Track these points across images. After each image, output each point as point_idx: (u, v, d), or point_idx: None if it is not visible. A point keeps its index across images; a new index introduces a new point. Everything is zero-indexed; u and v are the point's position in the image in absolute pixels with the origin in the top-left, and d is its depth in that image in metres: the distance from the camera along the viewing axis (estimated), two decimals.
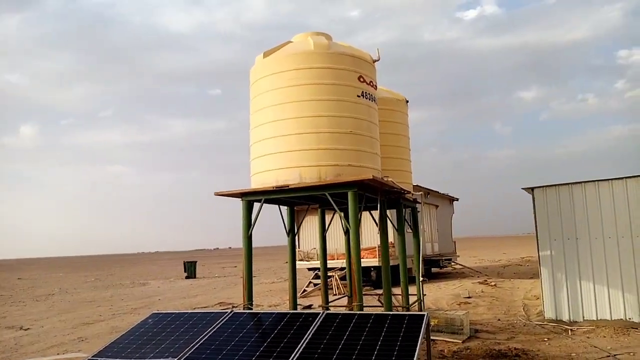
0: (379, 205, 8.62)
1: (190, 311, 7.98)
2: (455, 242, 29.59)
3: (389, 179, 8.82)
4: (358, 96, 8.45)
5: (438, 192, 26.15)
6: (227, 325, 7.21)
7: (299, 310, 10.80)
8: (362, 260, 21.14)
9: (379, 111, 9.88)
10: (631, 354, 7.95)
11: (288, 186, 8.05)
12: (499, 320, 11.67)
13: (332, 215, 11.03)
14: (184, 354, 6.59)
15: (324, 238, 10.96)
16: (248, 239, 8.52)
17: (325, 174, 7.99)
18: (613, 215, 10.57)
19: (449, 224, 28.95)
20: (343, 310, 9.46)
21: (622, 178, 10.63)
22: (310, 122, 8.13)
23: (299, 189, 8.04)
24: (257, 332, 6.99)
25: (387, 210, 10.18)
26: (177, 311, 8.09)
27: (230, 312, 7.68)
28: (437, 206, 26.63)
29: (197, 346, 6.73)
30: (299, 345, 6.25)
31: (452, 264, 26.60)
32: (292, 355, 6.04)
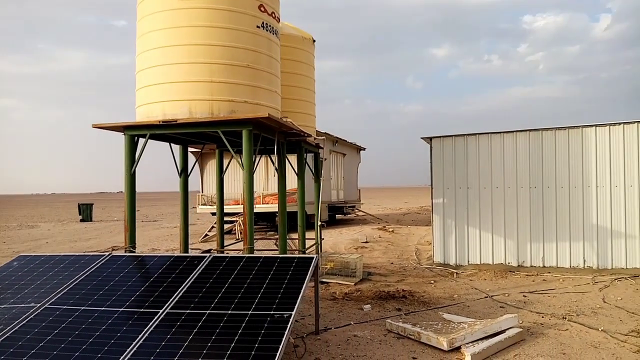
0: (276, 147, 8.22)
1: (62, 254, 7.24)
2: (360, 190, 30.37)
3: (289, 120, 8.42)
4: (258, 27, 7.80)
5: (346, 140, 26.34)
6: (102, 269, 6.61)
7: (200, 254, 10.32)
8: (266, 205, 20.84)
9: (283, 49, 9.31)
10: (506, 294, 8.50)
11: (176, 121, 7.37)
12: (392, 263, 12.07)
13: (232, 158, 10.50)
14: (49, 299, 5.94)
15: (221, 181, 10.44)
16: (130, 177, 7.78)
17: (218, 110, 7.40)
18: (502, 167, 11.10)
19: (355, 173, 29.52)
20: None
21: (512, 131, 11.12)
22: (203, 51, 7.40)
23: (189, 124, 7.40)
24: (136, 275, 6.48)
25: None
26: (47, 254, 7.31)
27: (109, 254, 7.06)
28: (344, 154, 26.91)
29: (65, 290, 6.10)
30: (181, 288, 5.87)
31: (356, 211, 27.33)
32: (172, 297, 5.66)
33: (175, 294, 5.70)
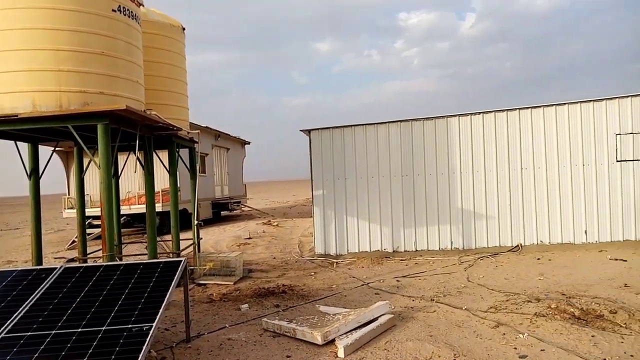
0: (137, 143, 7.57)
1: None
2: (246, 185, 29.89)
3: (153, 113, 7.81)
4: (114, 10, 7.10)
5: (229, 134, 25.68)
6: None
7: (50, 265, 9.26)
8: (143, 205, 19.50)
9: (149, 36, 8.70)
10: (381, 280, 8.75)
11: (17, 116, 6.46)
12: (274, 258, 11.93)
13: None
14: None
15: (81, 181, 9.48)
16: None
17: (67, 102, 6.61)
18: (377, 157, 11.44)
19: (240, 167, 28.95)
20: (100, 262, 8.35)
21: (385, 123, 11.50)
22: (48, 37, 6.55)
23: (32, 119, 6.52)
24: None
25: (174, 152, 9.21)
26: None
27: None
28: (228, 149, 26.23)
29: None
30: (22, 307, 5.11)
31: (242, 207, 26.84)
32: (10, 319, 4.89)
33: (15, 316, 4.94)
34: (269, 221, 19.21)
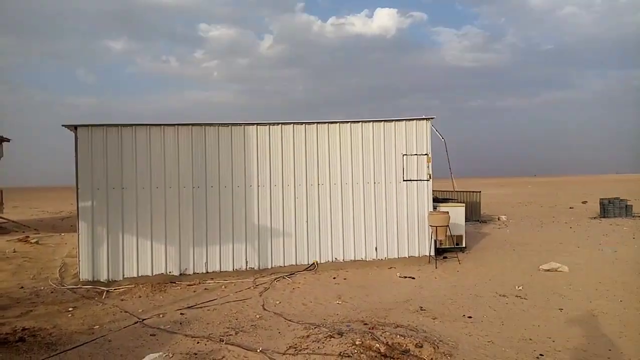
0: None
1: None
2: (1, 190, 24.44)
3: None
4: None
5: None
6: None
7: None
8: None
9: None
10: (161, 314, 7.15)
11: None
12: (22, 288, 9.19)
13: None
14: None
15: None
16: None
17: None
18: (163, 164, 9.78)
19: None
20: None
21: (174, 124, 9.92)
22: None
23: None
24: None
25: None
26: None
27: None
28: None
29: None
30: None
31: None
32: None
33: None
34: (26, 237, 15.54)
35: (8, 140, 25.40)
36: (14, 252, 12.77)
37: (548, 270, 9.92)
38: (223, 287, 8.92)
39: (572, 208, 27.03)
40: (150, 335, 6.17)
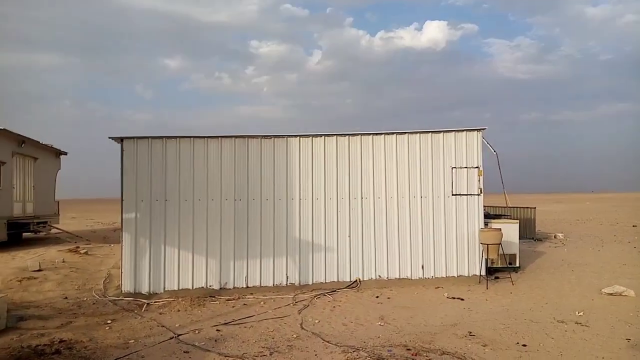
0: None
1: None
2: (58, 202, 25.50)
3: None
4: None
5: (39, 142, 21.54)
6: None
7: None
8: None
9: None
10: (197, 330, 6.99)
11: None
12: (66, 298, 9.32)
13: None
14: None
15: None
16: None
17: None
18: (205, 176, 9.74)
19: (52, 181, 24.59)
20: None
21: (217, 137, 9.87)
22: None
23: None
24: None
25: None
26: None
27: None
28: (36, 159, 22.01)
29: None
30: None
31: (48, 227, 22.61)
32: None
33: None
34: (77, 247, 16.00)
35: (65, 154, 26.52)
36: (63, 262, 13.09)
37: (611, 294, 9.10)
38: (262, 303, 8.69)
39: (635, 226, 25.25)
40: (184, 352, 5.99)
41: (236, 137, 9.95)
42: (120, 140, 9.47)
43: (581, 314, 7.61)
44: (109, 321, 7.56)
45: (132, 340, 6.53)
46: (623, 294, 9.08)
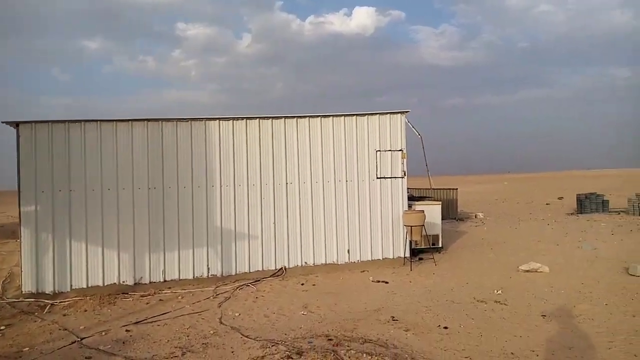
0: None
1: None
2: None
3: None
4: None
5: None
6: None
7: None
8: None
9: None
10: (104, 332, 6.38)
11: None
12: None
13: None
14: None
15: None
16: None
17: None
18: (115, 163, 8.98)
19: None
20: None
21: (127, 120, 9.12)
22: None
23: None
24: None
25: None
26: None
27: None
28: None
29: None
30: None
31: None
32: None
33: None
34: None
35: None
36: None
37: (528, 270, 9.45)
38: (180, 297, 8.17)
39: (549, 204, 26.91)
40: (86, 358, 5.42)
41: (148, 120, 9.23)
42: (16, 125, 8.48)
43: (499, 292, 7.79)
44: (2, 327, 6.75)
45: (27, 348, 5.84)
46: (539, 270, 9.45)
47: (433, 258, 10.72)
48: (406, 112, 10.83)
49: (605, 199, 21.44)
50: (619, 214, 19.75)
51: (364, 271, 9.77)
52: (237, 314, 6.93)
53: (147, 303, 7.87)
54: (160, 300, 8.03)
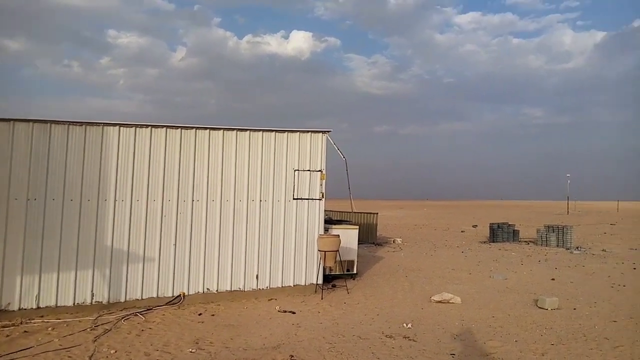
0: None
1: None
2: None
3: None
4: None
5: None
6: None
7: None
8: None
9: None
10: None
11: None
12: None
13: None
14: None
15: None
16: None
17: None
18: (81, 171, 7.83)
19: None
20: None
21: (8, 120, 7.90)
22: None
23: None
24: None
25: None
26: None
27: None
28: None
29: None
30: None
31: None
32: None
33: None
34: None
35: None
36: None
37: (440, 301, 9.18)
38: (51, 328, 6.98)
39: (464, 232, 27.68)
40: None
41: (34, 121, 8.05)
42: None
43: (410, 326, 7.36)
44: None
45: None
46: (450, 301, 9.21)
47: (346, 286, 10.22)
48: (328, 131, 10.39)
49: (516, 228, 22.28)
50: (528, 244, 20.53)
51: (271, 299, 9.05)
52: (112, 351, 5.93)
53: (8, 336, 6.62)
54: (25, 332, 6.80)
